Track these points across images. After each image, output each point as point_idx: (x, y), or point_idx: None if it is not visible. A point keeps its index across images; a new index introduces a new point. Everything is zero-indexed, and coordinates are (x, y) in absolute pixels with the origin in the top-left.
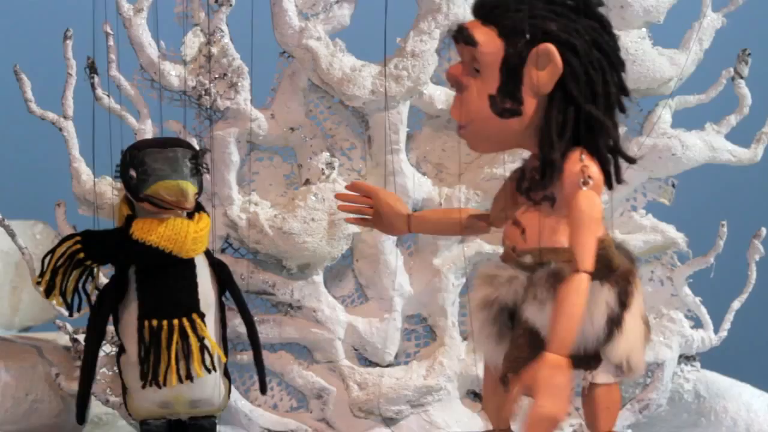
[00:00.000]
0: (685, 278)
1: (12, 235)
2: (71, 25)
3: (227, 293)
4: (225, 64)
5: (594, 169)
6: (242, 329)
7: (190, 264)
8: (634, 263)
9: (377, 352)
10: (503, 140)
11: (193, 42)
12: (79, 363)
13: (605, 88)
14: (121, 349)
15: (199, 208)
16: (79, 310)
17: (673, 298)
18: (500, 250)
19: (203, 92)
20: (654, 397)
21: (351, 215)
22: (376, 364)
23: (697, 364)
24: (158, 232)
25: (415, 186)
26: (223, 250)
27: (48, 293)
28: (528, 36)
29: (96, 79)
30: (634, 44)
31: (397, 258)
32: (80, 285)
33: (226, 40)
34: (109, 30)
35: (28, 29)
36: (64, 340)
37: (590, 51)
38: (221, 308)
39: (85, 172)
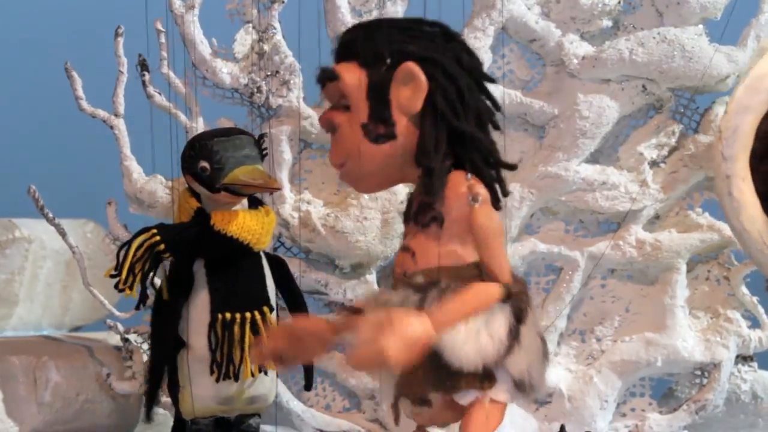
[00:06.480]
0: (742, 277)
1: (63, 233)
2: (122, 23)
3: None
4: (277, 61)
5: (480, 187)
6: None
7: (258, 257)
8: (524, 284)
9: None
10: (385, 171)
11: (244, 39)
12: (129, 363)
13: (474, 104)
14: (180, 345)
15: (259, 201)
16: (144, 303)
17: (730, 297)
18: (554, 249)
19: (255, 90)
20: (711, 398)
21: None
22: None
23: (755, 364)
24: (238, 223)
25: None
26: (275, 249)
27: (123, 287)
28: (389, 60)
29: (147, 77)
30: (690, 41)
31: None
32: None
33: (279, 37)
34: (160, 27)
35: (79, 26)
36: (114, 339)
37: (453, 66)
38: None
39: (136, 171)
